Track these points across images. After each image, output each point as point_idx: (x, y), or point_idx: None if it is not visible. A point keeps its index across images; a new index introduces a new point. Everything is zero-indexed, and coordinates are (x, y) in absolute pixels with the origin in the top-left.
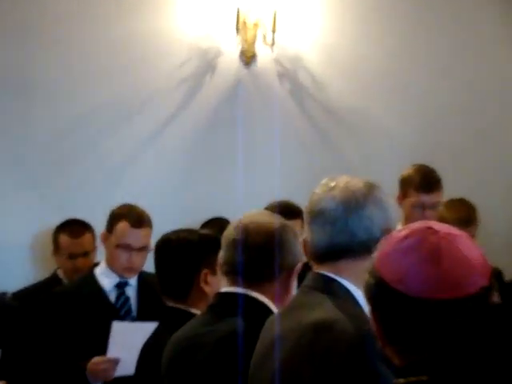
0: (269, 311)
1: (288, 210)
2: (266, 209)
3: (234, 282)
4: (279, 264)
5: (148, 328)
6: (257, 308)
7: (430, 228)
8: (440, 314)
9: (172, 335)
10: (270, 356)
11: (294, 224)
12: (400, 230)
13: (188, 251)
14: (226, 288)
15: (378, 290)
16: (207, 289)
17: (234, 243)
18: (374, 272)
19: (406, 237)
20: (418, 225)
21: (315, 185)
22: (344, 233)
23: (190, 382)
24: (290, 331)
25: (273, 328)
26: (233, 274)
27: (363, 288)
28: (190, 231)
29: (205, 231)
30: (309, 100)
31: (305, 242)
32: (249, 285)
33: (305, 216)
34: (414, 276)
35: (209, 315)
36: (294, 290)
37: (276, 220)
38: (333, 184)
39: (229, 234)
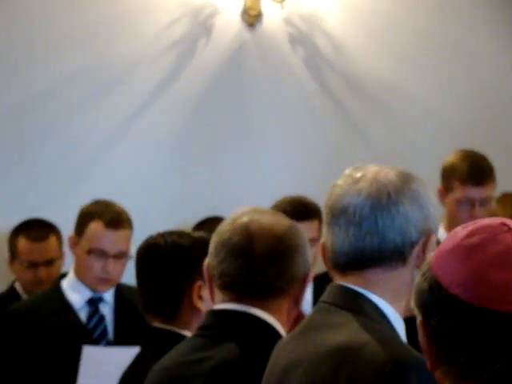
0: (275, 333)
1: (303, 209)
2: (275, 207)
3: (231, 298)
4: (289, 275)
5: (127, 354)
6: (260, 329)
7: (504, 225)
8: (510, 330)
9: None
10: None
11: (311, 226)
12: (466, 225)
13: (178, 259)
14: (221, 305)
15: (432, 295)
16: (201, 305)
17: (233, 250)
18: (430, 274)
19: (472, 233)
20: (488, 220)
21: (336, 176)
22: (372, 235)
23: None
24: (305, 358)
25: (284, 354)
26: (231, 288)
27: (414, 293)
28: (180, 234)
29: (199, 234)
30: (327, 70)
31: (323, 247)
32: (251, 301)
33: (324, 215)
34: (479, 281)
35: (201, 338)
36: (304, 304)
37: (282, 220)
38: (359, 175)
39: (224, 237)
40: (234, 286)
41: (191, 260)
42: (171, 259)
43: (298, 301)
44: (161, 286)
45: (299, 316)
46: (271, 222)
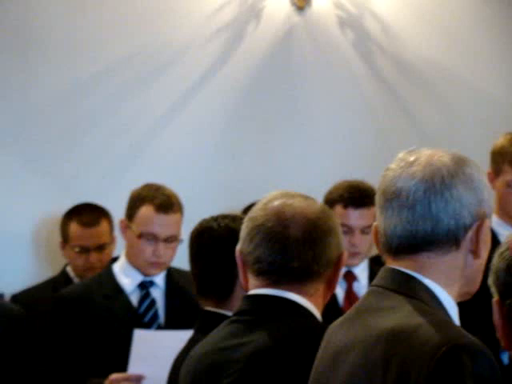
0: (312, 317)
1: (360, 195)
2: (331, 192)
3: (267, 283)
4: (325, 258)
5: (178, 337)
6: (297, 314)
7: None
8: None
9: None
10: (332, 374)
11: (368, 212)
12: None
13: (231, 243)
14: (256, 290)
15: (509, 275)
16: None
17: (268, 235)
18: (507, 254)
19: None
20: None
21: (387, 161)
22: (426, 219)
23: None
24: (358, 341)
25: (336, 338)
26: (267, 273)
27: (491, 272)
28: (233, 218)
29: None
30: (377, 53)
31: (376, 231)
32: (287, 286)
33: (376, 198)
34: None
35: (237, 324)
36: (359, 287)
37: (314, 203)
38: (412, 158)
39: (258, 222)
40: (269, 272)
41: None
42: (224, 243)
43: (332, 284)
44: (214, 269)
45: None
46: (303, 205)
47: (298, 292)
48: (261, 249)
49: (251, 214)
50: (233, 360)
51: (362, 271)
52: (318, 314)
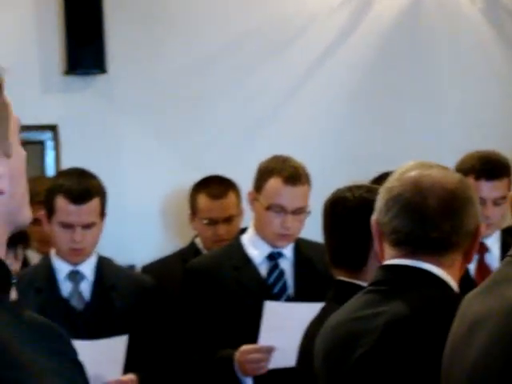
0: (449, 289)
1: (492, 167)
2: (462, 163)
3: (404, 253)
4: (464, 229)
5: (310, 309)
6: (434, 285)
7: None
8: None
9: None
10: (469, 343)
11: (501, 184)
12: None
13: (366, 213)
14: (393, 260)
15: None
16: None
17: (406, 206)
18: None
19: None
20: None
21: None
22: None
23: (350, 379)
24: (494, 312)
25: (472, 308)
26: (405, 243)
27: None
28: (369, 188)
29: None
30: (506, 19)
31: None
32: (424, 256)
33: None
34: None
35: (373, 294)
36: (491, 259)
37: (452, 173)
38: None
39: (395, 192)
40: (407, 242)
41: None
42: (359, 214)
43: (469, 255)
44: (348, 240)
45: (485, 271)
46: (442, 175)
47: (436, 263)
48: (398, 219)
49: (387, 184)
50: (368, 329)
51: (494, 243)
52: (454, 285)
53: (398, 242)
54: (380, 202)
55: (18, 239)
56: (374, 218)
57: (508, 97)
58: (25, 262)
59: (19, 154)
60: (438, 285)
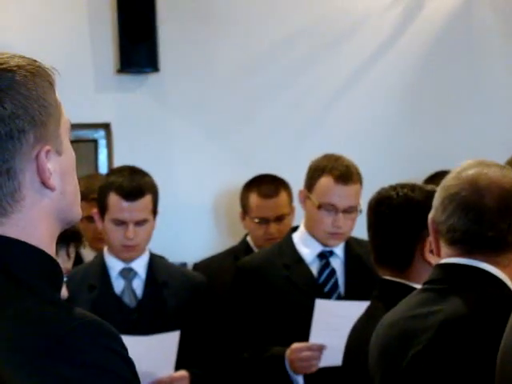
0: (505, 288)
1: None
2: (509, 162)
3: (460, 252)
4: None
5: (360, 308)
6: (490, 284)
7: None
8: None
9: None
10: None
11: None
12: None
13: (410, 212)
14: (449, 259)
15: None
16: (433, 259)
17: (463, 204)
18: None
19: None
20: None
21: None
22: None
23: (405, 377)
24: None
25: None
26: (461, 242)
27: None
28: (413, 187)
29: (431, 187)
30: None
31: None
32: (480, 255)
33: None
34: None
35: (429, 292)
36: None
37: (510, 173)
38: None
39: (452, 191)
40: (463, 241)
41: (424, 214)
42: (404, 212)
43: None
44: (393, 239)
45: None
46: (499, 174)
47: (492, 262)
48: (455, 218)
49: (444, 182)
50: (423, 328)
51: None
52: (511, 284)
53: (454, 241)
54: (437, 200)
55: (70, 237)
56: (430, 216)
57: None
58: (79, 260)
59: (70, 152)
60: (495, 284)
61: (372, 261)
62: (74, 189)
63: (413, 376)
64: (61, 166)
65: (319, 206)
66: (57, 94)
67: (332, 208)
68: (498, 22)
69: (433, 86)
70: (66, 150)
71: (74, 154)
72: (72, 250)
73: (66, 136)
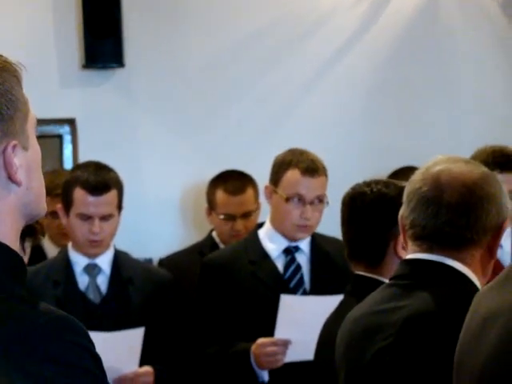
0: (470, 284)
1: (505, 159)
2: (475, 157)
3: (423, 248)
4: (481, 225)
5: (326, 303)
6: (455, 280)
7: None
8: None
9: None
10: (481, 338)
11: None
12: None
13: (384, 208)
14: (414, 254)
15: None
16: (405, 254)
17: (423, 200)
18: None
19: None
20: None
21: None
22: None
23: (368, 372)
24: (506, 308)
25: (485, 303)
26: (422, 238)
27: None
28: (387, 183)
29: (405, 184)
30: None
31: None
32: (442, 251)
33: None
34: None
35: (394, 288)
36: (504, 254)
37: (476, 169)
38: None
39: (415, 186)
40: (423, 237)
41: (397, 210)
42: (377, 208)
43: (492, 252)
44: (366, 234)
45: (496, 266)
46: (463, 170)
47: (456, 258)
48: (415, 213)
49: (412, 178)
50: (389, 323)
51: (505, 238)
52: (476, 280)
53: (416, 237)
54: (404, 195)
55: (25, 232)
56: (400, 212)
57: None
58: (42, 255)
59: (36, 148)
60: (460, 280)
61: (344, 256)
62: (39, 184)
63: (376, 371)
64: (27, 161)
65: (287, 199)
66: (23, 91)
67: (300, 199)
68: (465, 18)
69: (398, 82)
70: (32, 146)
71: (39, 149)
72: (28, 245)
73: (32, 132)
